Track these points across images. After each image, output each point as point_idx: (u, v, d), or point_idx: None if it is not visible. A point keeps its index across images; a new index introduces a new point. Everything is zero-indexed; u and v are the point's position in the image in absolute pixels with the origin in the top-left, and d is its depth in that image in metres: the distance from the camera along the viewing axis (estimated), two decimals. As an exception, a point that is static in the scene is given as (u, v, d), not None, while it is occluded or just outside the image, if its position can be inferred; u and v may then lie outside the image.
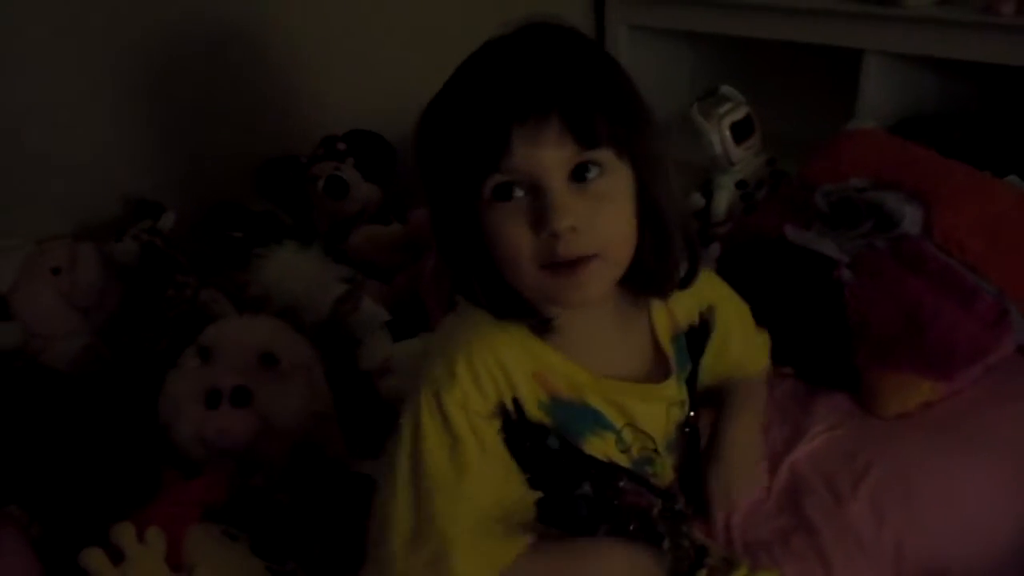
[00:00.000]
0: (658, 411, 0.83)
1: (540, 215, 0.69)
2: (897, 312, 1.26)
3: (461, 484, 0.73)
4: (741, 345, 0.98)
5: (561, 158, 0.69)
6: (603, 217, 0.71)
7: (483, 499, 0.75)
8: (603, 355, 0.80)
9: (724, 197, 1.73)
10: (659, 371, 0.83)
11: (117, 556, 0.88)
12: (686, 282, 0.82)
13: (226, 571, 0.94)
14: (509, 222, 0.70)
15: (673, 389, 0.84)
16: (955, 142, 1.69)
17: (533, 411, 0.76)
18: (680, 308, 0.86)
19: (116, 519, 0.91)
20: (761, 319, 1.30)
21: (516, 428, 0.76)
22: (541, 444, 0.77)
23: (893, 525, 1.05)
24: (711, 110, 1.70)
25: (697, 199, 1.77)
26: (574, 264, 0.70)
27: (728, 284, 1.03)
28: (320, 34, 1.90)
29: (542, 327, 0.76)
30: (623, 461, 0.81)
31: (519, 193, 0.70)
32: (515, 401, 0.75)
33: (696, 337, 0.89)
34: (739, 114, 1.72)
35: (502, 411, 0.75)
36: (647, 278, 0.78)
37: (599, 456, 0.79)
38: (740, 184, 1.73)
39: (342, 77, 1.93)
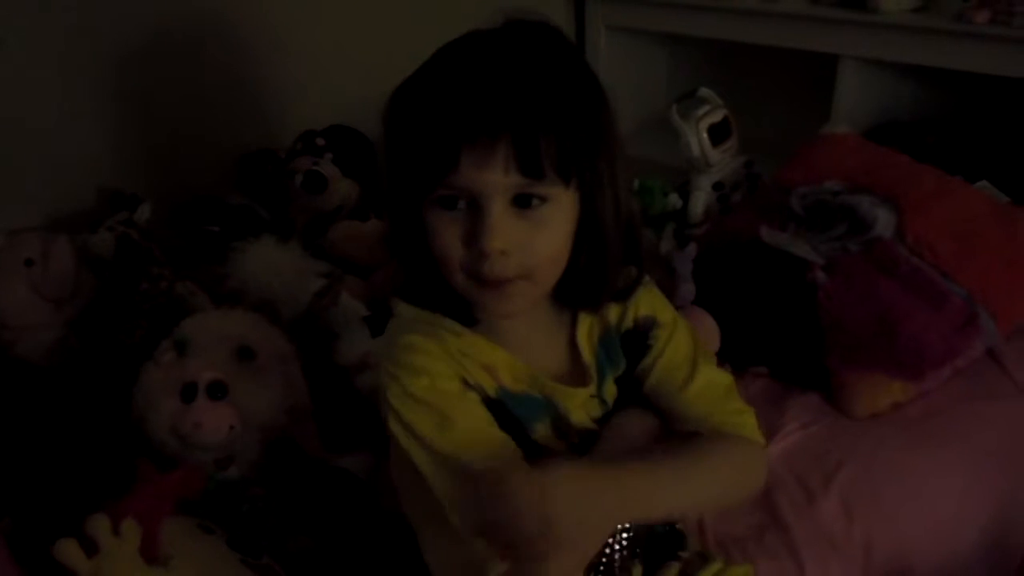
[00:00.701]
0: (584, 413, 0.84)
1: (474, 231, 0.71)
2: (869, 314, 1.28)
3: (479, 443, 0.74)
4: (680, 376, 0.84)
5: (506, 184, 0.70)
6: (537, 242, 0.72)
7: (508, 443, 0.76)
8: (535, 354, 0.82)
9: (701, 198, 1.74)
10: (579, 377, 0.84)
11: (91, 548, 0.87)
12: (624, 295, 0.83)
13: (201, 564, 0.93)
14: (446, 229, 0.72)
15: (592, 392, 0.84)
16: (928, 147, 1.71)
17: (492, 396, 0.78)
18: (611, 311, 0.85)
19: (90, 512, 0.90)
20: (736, 319, 1.32)
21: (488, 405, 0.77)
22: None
23: (863, 523, 1.07)
24: (689, 112, 1.72)
25: (674, 200, 1.79)
26: (499, 282, 0.72)
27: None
28: (301, 28, 1.89)
29: (469, 319, 0.78)
30: (562, 448, 0.82)
31: (462, 205, 0.71)
32: (473, 383, 0.77)
33: (634, 340, 0.85)
34: (717, 116, 1.73)
35: (470, 387, 0.77)
36: (578, 293, 0.79)
37: (543, 442, 0.81)
38: (717, 186, 1.75)
39: (323, 72, 1.92)
